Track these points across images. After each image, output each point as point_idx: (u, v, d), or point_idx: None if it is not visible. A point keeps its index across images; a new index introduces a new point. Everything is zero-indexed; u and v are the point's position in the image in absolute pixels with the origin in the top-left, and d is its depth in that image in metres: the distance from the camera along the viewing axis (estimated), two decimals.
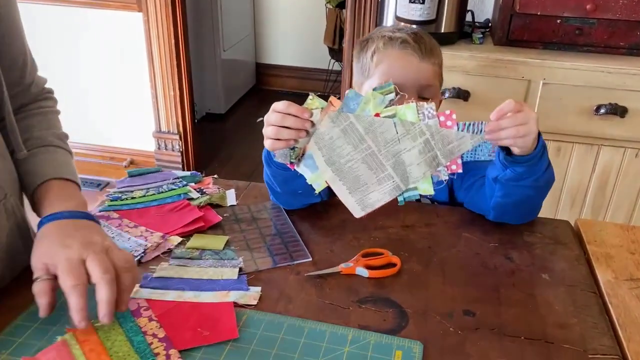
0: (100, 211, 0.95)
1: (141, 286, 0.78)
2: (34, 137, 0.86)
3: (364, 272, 0.82)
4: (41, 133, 0.88)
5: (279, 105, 0.78)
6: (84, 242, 0.69)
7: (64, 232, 0.72)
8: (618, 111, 1.78)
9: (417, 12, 1.89)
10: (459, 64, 1.87)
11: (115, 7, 2.58)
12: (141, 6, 2.53)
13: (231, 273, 0.81)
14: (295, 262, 0.84)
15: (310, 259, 0.85)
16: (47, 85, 0.96)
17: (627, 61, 1.79)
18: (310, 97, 0.79)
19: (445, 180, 0.80)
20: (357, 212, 0.83)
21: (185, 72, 2.74)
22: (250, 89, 4.11)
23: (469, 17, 2.04)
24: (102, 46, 2.69)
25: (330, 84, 3.82)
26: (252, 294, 0.77)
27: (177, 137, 2.83)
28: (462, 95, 1.88)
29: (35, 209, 0.81)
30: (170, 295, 0.77)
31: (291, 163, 0.83)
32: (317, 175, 0.82)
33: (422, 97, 0.96)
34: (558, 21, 1.87)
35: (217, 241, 0.88)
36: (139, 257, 0.84)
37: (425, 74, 0.95)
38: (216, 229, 0.93)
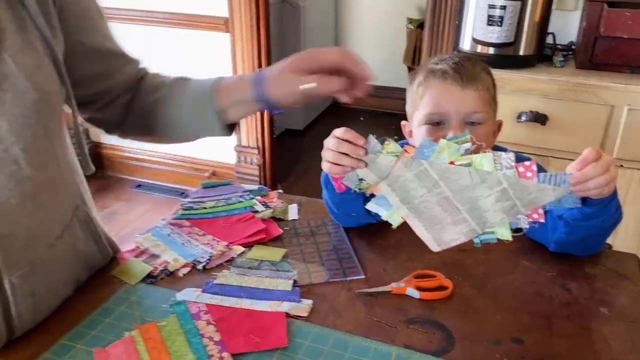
0: (174, 219, 1.03)
1: (203, 291, 0.84)
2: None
3: (414, 293, 0.83)
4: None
5: (337, 131, 0.81)
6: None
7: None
8: None
9: (494, 35, 1.88)
10: (537, 87, 1.83)
11: (205, 28, 2.75)
12: (228, 27, 2.68)
13: (285, 284, 0.85)
14: (348, 279, 0.87)
15: (363, 277, 0.88)
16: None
17: None
18: (387, 141, 0.79)
19: (525, 228, 0.76)
20: (434, 247, 0.82)
21: None
22: (328, 106, 4.20)
23: (550, 40, 1.99)
24: (190, 65, 2.86)
25: None
26: (303, 306, 0.81)
27: (256, 151, 2.95)
28: (539, 119, 1.84)
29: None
30: (229, 302, 0.82)
31: (356, 192, 0.83)
32: (392, 212, 0.81)
33: (469, 123, 0.96)
34: None
35: (275, 253, 0.93)
36: (204, 263, 0.90)
37: (468, 101, 0.96)
38: (276, 241, 0.98)
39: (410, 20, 3.56)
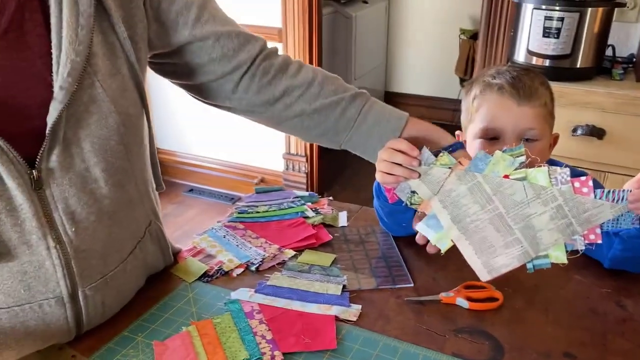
0: (229, 221, 1.07)
1: (256, 291, 0.87)
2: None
3: (464, 303, 0.84)
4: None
5: (392, 142, 0.82)
6: None
7: None
8: None
9: (550, 47, 1.85)
10: (595, 100, 1.79)
11: None
12: (282, 37, 2.74)
13: (335, 289, 0.87)
14: (397, 286, 0.89)
15: (412, 285, 0.89)
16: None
17: None
18: (441, 153, 0.79)
19: (581, 250, 0.74)
20: (484, 276, 0.79)
21: None
22: None
23: (609, 52, 1.94)
24: None
25: (458, 114, 3.76)
26: (352, 311, 0.83)
27: (304, 159, 2.99)
28: (595, 133, 1.79)
29: None
30: (280, 303, 0.84)
31: (408, 205, 0.83)
32: (441, 234, 0.79)
33: (525, 140, 0.95)
34: None
35: (325, 258, 0.96)
36: (257, 265, 0.94)
37: (525, 118, 0.95)
38: (326, 246, 1.00)
39: (463, 31, 3.54)
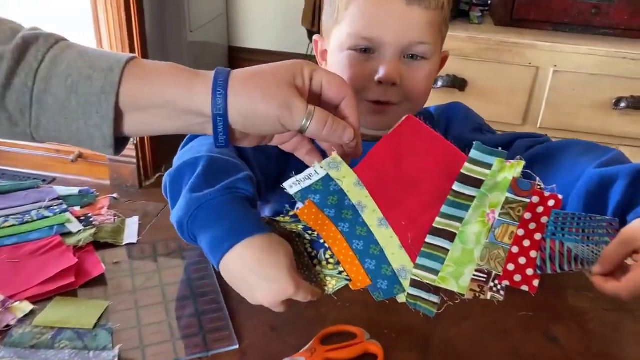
0: None
1: None
2: None
3: None
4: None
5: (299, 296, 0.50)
6: None
7: None
8: None
9: None
10: (455, 46, 1.57)
11: None
12: None
13: None
14: (212, 353, 0.52)
15: (237, 347, 0.52)
16: None
17: None
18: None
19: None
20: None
21: (140, 51, 2.41)
22: None
23: None
24: (40, 19, 2.34)
25: None
26: None
27: None
28: (457, 84, 1.59)
29: None
30: None
31: None
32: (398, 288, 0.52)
33: (409, 57, 0.66)
34: None
35: (88, 312, 0.55)
36: None
37: (415, 25, 0.64)
38: (95, 285, 0.59)
39: None
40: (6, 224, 0.66)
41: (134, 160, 2.61)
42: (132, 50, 2.39)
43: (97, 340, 0.52)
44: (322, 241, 0.52)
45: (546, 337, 0.56)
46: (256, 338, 0.54)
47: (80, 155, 2.67)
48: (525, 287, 0.48)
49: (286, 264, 0.49)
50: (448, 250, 0.49)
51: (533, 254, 0.47)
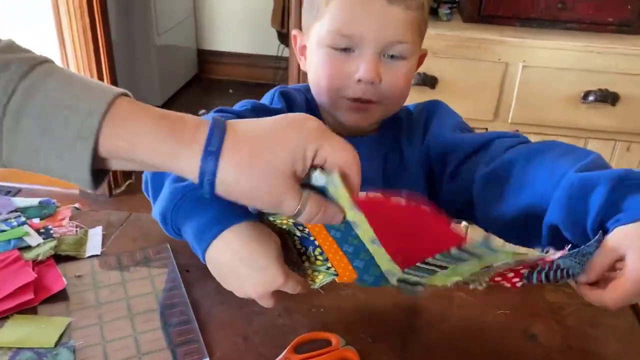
0: None
1: None
2: None
3: None
4: None
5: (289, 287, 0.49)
6: None
7: None
8: (609, 98, 1.53)
9: None
10: (424, 44, 1.55)
11: None
12: None
13: None
14: None
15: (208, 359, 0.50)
16: None
17: (618, 40, 1.54)
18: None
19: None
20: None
21: (106, 56, 2.35)
22: (191, 78, 3.72)
23: None
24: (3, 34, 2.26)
25: (280, 72, 3.47)
26: None
27: None
28: (428, 81, 1.59)
29: None
30: None
31: None
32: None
33: (389, 56, 0.64)
34: None
35: (48, 330, 0.52)
36: None
37: (395, 23, 0.63)
38: (56, 301, 0.56)
39: None
40: None
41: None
42: (97, 54, 2.33)
43: (60, 358, 0.49)
44: (312, 238, 0.50)
45: (525, 336, 0.55)
46: (228, 349, 0.51)
47: None
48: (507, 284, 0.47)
49: (276, 253, 0.47)
50: (436, 272, 0.48)
51: (522, 270, 0.46)
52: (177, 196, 0.50)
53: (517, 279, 0.47)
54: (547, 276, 0.46)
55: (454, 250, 0.44)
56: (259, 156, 0.41)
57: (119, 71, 2.51)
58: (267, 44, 3.52)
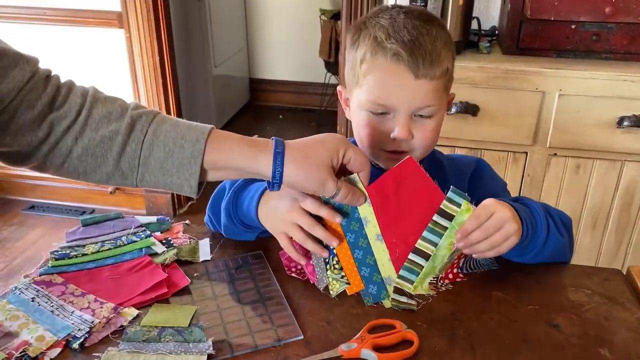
0: (41, 274, 0.77)
1: None
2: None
3: (371, 356, 0.63)
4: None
5: (303, 199, 0.72)
6: None
7: None
8: None
9: None
10: (466, 76, 1.70)
11: (95, 24, 2.41)
12: (122, 22, 2.36)
13: None
14: (282, 343, 0.66)
15: (302, 337, 0.67)
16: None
17: None
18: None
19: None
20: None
21: (172, 89, 2.57)
22: (244, 105, 3.94)
23: (474, 25, 1.86)
24: (81, 66, 2.52)
25: (326, 98, 3.65)
26: None
27: None
28: (470, 110, 1.71)
29: None
30: None
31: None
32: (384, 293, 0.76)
33: (418, 116, 0.79)
34: (573, 26, 1.70)
35: (182, 314, 0.70)
36: (81, 339, 0.65)
37: (422, 93, 0.76)
38: (183, 295, 0.74)
39: (323, 12, 3.38)
40: (104, 248, 0.82)
41: (168, 191, 2.76)
42: (165, 88, 2.54)
43: (194, 335, 0.66)
44: (331, 248, 0.71)
45: (549, 325, 0.69)
46: (316, 330, 0.68)
47: (117, 188, 2.83)
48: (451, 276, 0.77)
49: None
50: (422, 267, 0.72)
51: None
52: (231, 195, 0.78)
53: (455, 269, 0.75)
54: (469, 266, 0.77)
55: (435, 216, 0.70)
56: (309, 155, 0.66)
57: (181, 101, 2.73)
58: (315, 72, 3.71)
